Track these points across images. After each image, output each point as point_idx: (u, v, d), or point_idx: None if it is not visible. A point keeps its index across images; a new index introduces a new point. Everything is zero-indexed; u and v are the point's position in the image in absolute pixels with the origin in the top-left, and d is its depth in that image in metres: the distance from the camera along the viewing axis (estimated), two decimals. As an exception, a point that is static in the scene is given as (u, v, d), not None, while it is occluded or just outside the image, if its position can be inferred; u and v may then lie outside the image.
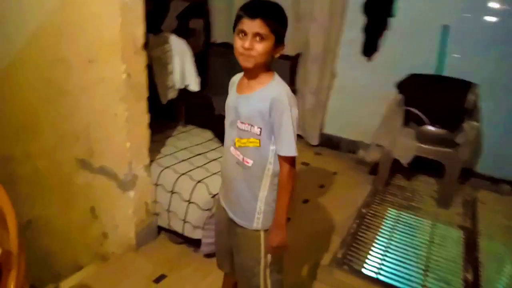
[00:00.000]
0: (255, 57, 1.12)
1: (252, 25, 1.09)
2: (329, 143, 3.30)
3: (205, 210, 1.76)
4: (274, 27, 1.12)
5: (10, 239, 0.94)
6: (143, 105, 1.80)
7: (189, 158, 2.04)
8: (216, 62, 3.30)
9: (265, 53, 1.12)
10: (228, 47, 3.31)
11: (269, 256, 1.26)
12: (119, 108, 1.71)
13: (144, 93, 1.79)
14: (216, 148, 2.21)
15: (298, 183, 2.71)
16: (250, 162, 1.19)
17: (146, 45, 1.77)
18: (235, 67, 3.33)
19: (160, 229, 1.99)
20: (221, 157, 2.13)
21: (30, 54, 1.91)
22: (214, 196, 1.79)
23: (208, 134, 2.39)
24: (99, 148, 1.85)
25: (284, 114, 1.12)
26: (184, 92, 2.35)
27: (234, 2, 3.17)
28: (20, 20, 1.87)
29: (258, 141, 1.17)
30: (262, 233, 1.24)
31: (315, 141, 3.30)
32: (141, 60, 1.74)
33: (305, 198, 2.49)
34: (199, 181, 1.83)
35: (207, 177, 1.87)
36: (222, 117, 2.38)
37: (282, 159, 1.17)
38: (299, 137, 3.28)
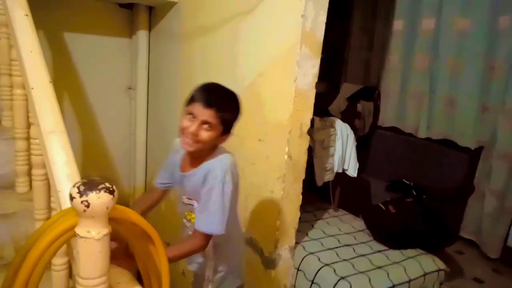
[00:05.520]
0: (198, 143, 1.09)
1: (204, 113, 1.07)
2: (516, 260, 2.62)
3: (345, 313, 1.59)
4: (225, 119, 1.10)
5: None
6: (298, 186, 1.82)
7: (336, 247, 1.93)
8: (379, 146, 3.17)
9: (210, 141, 1.11)
10: (394, 132, 3.16)
11: None
12: (276, 186, 1.78)
13: (301, 174, 1.82)
14: (366, 242, 2.03)
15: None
16: None
17: (311, 128, 1.84)
18: (399, 153, 3.11)
19: (293, 318, 1.89)
20: (372, 253, 1.94)
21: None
22: (357, 300, 1.60)
23: (359, 224, 2.23)
24: (252, 220, 1.94)
25: (214, 190, 1.11)
26: (341, 173, 2.30)
27: (407, 89, 3.06)
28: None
29: None
30: None
31: (494, 253, 2.67)
32: (304, 144, 1.80)
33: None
34: (342, 278, 1.68)
35: (352, 274, 1.71)
36: (377, 208, 2.22)
37: (200, 234, 1.12)
38: (473, 244, 2.77)
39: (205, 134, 1.09)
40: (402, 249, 1.98)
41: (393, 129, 3.17)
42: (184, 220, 1.28)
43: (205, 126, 1.09)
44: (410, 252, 1.98)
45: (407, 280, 1.79)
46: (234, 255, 1.38)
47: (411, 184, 2.71)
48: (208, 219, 1.12)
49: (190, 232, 1.25)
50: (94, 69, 2.59)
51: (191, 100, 1.11)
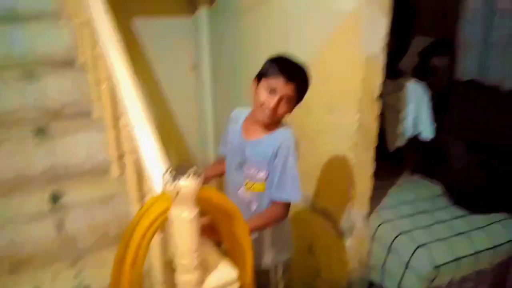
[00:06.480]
0: (278, 116, 1.13)
1: (285, 88, 1.09)
2: None
3: (424, 281, 1.57)
4: (302, 92, 1.13)
5: (246, 277, 1.09)
6: (370, 154, 1.79)
7: (412, 215, 1.87)
8: (459, 103, 2.92)
9: (287, 114, 1.17)
10: (474, 86, 2.88)
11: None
12: (348, 155, 1.77)
13: (373, 142, 1.78)
14: (446, 207, 1.95)
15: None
16: (254, 208, 1.23)
17: (382, 93, 1.76)
18: (481, 109, 2.85)
19: (372, 284, 1.91)
20: (452, 219, 1.87)
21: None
22: (438, 267, 1.57)
23: (437, 189, 2.13)
24: (324, 189, 1.96)
25: (289, 159, 1.16)
26: (414, 136, 2.19)
27: (491, 36, 2.73)
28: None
29: (263, 185, 1.21)
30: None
31: None
32: (375, 110, 1.74)
33: None
34: (420, 245, 1.65)
35: (431, 242, 1.67)
36: (459, 171, 2.10)
37: (281, 204, 1.19)
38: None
39: (283, 109, 1.14)
40: (485, 214, 1.88)
41: (473, 83, 2.89)
42: (242, 189, 1.24)
43: (285, 100, 1.12)
44: (494, 216, 1.86)
45: (492, 246, 1.70)
46: (284, 227, 1.36)
47: (495, 143, 2.50)
48: (289, 188, 1.18)
49: (254, 206, 1.24)
50: (159, 52, 2.68)
51: (268, 74, 1.12)
